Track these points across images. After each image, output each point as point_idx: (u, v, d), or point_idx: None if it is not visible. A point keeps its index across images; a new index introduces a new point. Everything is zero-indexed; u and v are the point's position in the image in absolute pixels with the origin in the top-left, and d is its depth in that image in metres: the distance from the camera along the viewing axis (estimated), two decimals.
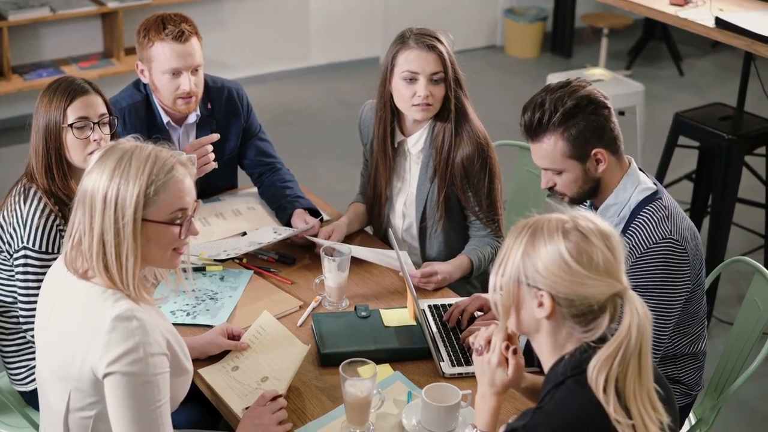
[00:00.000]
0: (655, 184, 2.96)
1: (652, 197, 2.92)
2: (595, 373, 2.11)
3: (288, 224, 3.71)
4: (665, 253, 2.83)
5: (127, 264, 2.38)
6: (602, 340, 2.17)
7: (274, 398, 2.72)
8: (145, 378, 2.35)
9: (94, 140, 3.11)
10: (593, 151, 2.85)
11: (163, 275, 2.61)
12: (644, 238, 2.84)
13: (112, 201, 2.36)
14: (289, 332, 3.04)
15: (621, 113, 6.12)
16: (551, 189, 2.95)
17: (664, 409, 2.16)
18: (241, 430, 2.65)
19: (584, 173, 2.88)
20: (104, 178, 2.37)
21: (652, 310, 2.76)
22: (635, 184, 2.93)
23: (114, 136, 3.19)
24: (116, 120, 3.23)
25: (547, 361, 2.27)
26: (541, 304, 2.17)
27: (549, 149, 2.86)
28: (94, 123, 3.12)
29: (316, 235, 3.55)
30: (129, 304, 2.39)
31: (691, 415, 3.32)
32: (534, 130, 2.86)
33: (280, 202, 3.79)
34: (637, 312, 2.11)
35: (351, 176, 5.21)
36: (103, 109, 3.16)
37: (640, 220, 2.88)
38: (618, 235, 2.19)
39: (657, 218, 2.87)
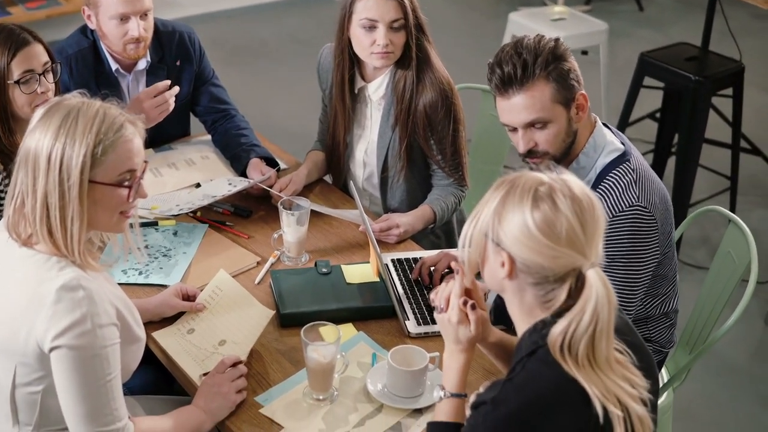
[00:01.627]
0: (623, 143, 2.83)
1: (620, 159, 2.78)
2: (554, 348, 2.03)
3: (243, 174, 3.57)
4: (632, 222, 2.70)
5: (72, 228, 2.25)
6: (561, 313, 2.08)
7: (234, 365, 2.59)
8: (93, 351, 2.24)
9: (42, 92, 2.97)
10: (577, 95, 2.72)
11: (110, 237, 2.48)
12: (611, 205, 2.71)
13: (57, 161, 2.22)
14: (247, 292, 2.92)
15: (584, 53, 6.01)
16: (529, 153, 2.79)
17: (645, 380, 2.08)
18: (199, 398, 2.54)
19: (568, 123, 2.73)
20: (48, 137, 2.23)
21: (619, 279, 2.66)
22: (602, 145, 2.80)
23: (58, 84, 3.06)
24: (59, 66, 3.09)
25: (518, 325, 2.19)
26: (503, 264, 2.09)
27: (537, 96, 2.69)
28: (39, 75, 2.98)
29: (272, 186, 3.41)
30: (74, 272, 2.26)
31: (663, 371, 3.24)
32: (519, 80, 2.69)
33: (235, 150, 3.64)
34: (595, 293, 2.01)
35: (306, 117, 5.06)
36: (46, 57, 3.02)
37: (607, 185, 2.74)
38: (600, 208, 2.09)
39: (624, 183, 2.73)
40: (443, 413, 2.28)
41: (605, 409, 2.00)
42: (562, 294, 2.07)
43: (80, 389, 2.25)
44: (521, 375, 2.06)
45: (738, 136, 5.22)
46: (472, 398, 2.34)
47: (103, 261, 2.47)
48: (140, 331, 2.46)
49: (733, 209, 5.18)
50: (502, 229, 2.07)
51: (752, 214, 5.40)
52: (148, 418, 2.47)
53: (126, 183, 2.31)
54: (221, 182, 3.49)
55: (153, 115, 3.40)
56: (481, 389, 2.34)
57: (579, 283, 2.05)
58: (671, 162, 5.36)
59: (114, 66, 3.58)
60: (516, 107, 2.71)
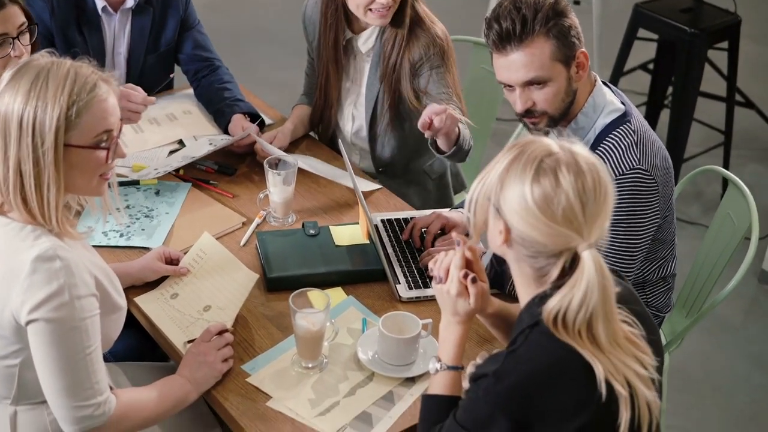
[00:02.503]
0: (623, 103, 2.72)
1: (620, 120, 2.68)
2: (548, 322, 1.96)
3: (226, 130, 3.46)
4: (633, 185, 2.60)
5: (48, 196, 2.15)
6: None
7: (220, 333, 2.51)
8: (71, 324, 2.15)
9: (15, 56, 2.83)
10: (577, 53, 2.61)
11: (88, 200, 2.39)
12: (610, 168, 2.59)
13: (29, 126, 2.11)
14: (233, 256, 2.83)
15: (576, 2, 5.88)
16: (528, 112, 2.69)
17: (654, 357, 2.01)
18: (184, 368, 2.45)
19: (567, 82, 2.62)
20: (18, 100, 2.12)
21: (618, 244, 2.57)
22: (602, 105, 2.70)
23: (35, 45, 2.90)
24: (36, 28, 2.94)
25: (521, 295, 2.11)
26: (500, 232, 2.02)
27: (536, 53, 2.58)
28: (13, 38, 2.83)
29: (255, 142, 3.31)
30: (51, 241, 2.16)
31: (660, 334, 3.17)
32: (518, 36, 2.57)
33: (218, 105, 3.53)
34: (586, 277, 1.93)
35: (291, 66, 4.95)
36: (22, 18, 2.86)
37: (606, 147, 2.64)
38: (608, 185, 1.99)
39: (625, 145, 2.63)
40: (439, 386, 2.21)
41: (610, 388, 1.93)
42: (555, 270, 2.00)
43: (58, 363, 2.16)
44: (523, 347, 1.98)
45: (733, 90, 5.13)
46: (469, 369, 2.26)
47: (81, 229, 2.37)
48: (121, 300, 2.37)
49: (726, 164, 5.11)
50: (503, 196, 2.00)
51: (745, 168, 5.34)
52: (130, 390, 2.38)
53: (103, 144, 2.21)
54: (201, 142, 3.38)
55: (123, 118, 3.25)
56: (479, 360, 2.26)
57: (574, 262, 1.98)
58: (664, 115, 5.27)
59: (101, 4, 3.46)
60: (514, 65, 2.60)
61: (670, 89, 5.15)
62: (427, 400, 2.21)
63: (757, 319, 4.43)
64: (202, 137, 3.44)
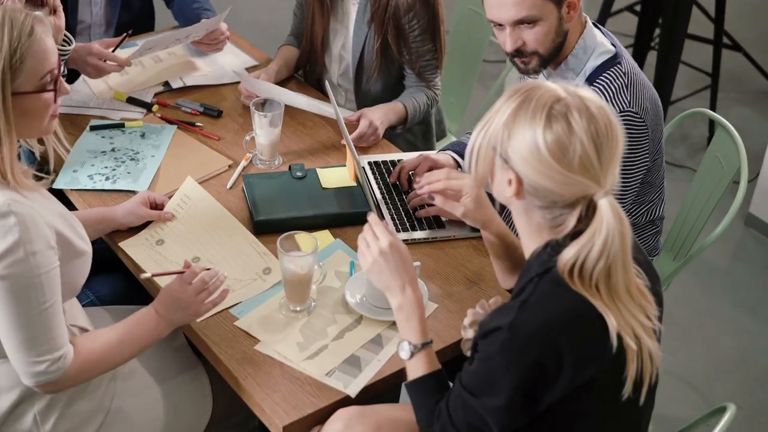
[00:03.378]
0: (614, 45, 2.69)
1: (611, 62, 2.65)
2: (564, 272, 1.92)
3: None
4: (623, 128, 2.58)
5: (2, 149, 2.12)
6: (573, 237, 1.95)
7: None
8: (26, 280, 2.12)
9: None
10: None
11: (30, 142, 2.34)
12: None
13: None
14: (216, 202, 2.82)
15: None
16: (518, 52, 2.66)
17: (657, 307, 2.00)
18: (159, 303, 2.36)
19: (558, 22, 2.59)
20: None
21: None
22: (592, 46, 2.66)
23: None
24: None
25: (525, 242, 2.07)
26: (510, 182, 1.95)
27: None
28: None
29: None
30: (4, 196, 2.12)
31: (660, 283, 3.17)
32: None
33: (189, 18, 3.53)
34: (606, 225, 1.88)
35: (278, 6, 4.89)
36: None
37: (597, 89, 2.61)
38: (619, 128, 1.94)
39: (615, 87, 2.61)
40: (418, 368, 2.18)
41: (619, 340, 1.91)
42: (571, 220, 1.94)
43: (15, 319, 2.14)
44: (535, 296, 1.93)
45: (720, 32, 5.09)
46: (469, 319, 2.24)
47: (65, 175, 2.33)
48: (84, 244, 2.33)
49: (713, 107, 5.09)
50: (511, 145, 1.92)
51: (732, 111, 5.33)
52: (89, 338, 2.32)
53: (49, 86, 2.18)
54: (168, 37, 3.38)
55: (89, 72, 3.23)
56: (479, 309, 2.26)
57: (590, 210, 1.92)
58: (651, 57, 5.24)
59: None
60: (505, 3, 2.56)
61: (657, 31, 5.11)
62: (414, 386, 2.18)
63: (744, 262, 4.44)
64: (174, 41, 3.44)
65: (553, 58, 2.64)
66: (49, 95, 2.18)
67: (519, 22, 2.58)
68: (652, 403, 2.14)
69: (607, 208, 1.88)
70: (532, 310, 1.92)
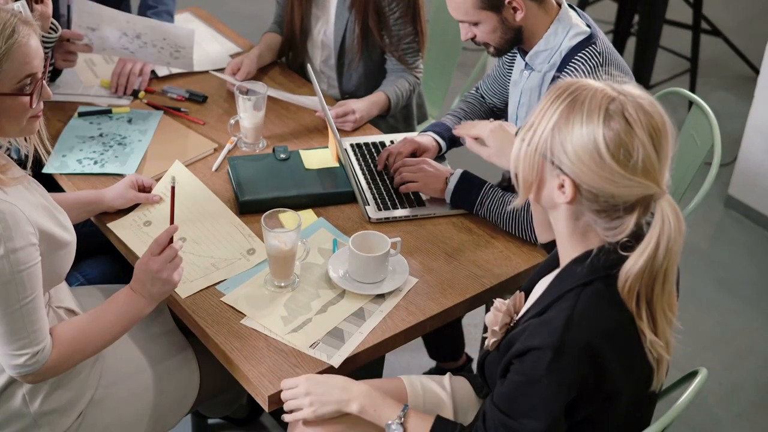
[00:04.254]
0: (588, 26, 2.77)
1: (586, 42, 2.72)
2: (627, 286, 1.87)
3: None
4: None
5: None
6: (627, 245, 1.89)
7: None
8: (5, 278, 2.14)
9: None
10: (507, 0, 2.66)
11: (16, 140, 2.35)
12: None
13: None
14: (203, 184, 2.88)
15: None
16: (473, 40, 2.76)
17: None
18: (137, 282, 2.36)
19: (502, 23, 2.69)
20: None
21: None
22: (567, 28, 2.74)
23: None
24: None
25: (566, 247, 2.00)
26: (562, 187, 1.89)
27: (459, 3, 2.68)
28: None
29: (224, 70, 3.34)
30: None
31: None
32: None
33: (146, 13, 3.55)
34: (669, 222, 1.83)
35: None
36: None
37: (572, 69, 2.68)
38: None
39: (590, 66, 2.68)
40: (419, 426, 2.17)
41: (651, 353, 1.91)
42: (630, 222, 1.86)
43: None
44: (580, 311, 1.89)
45: (699, 17, 5.16)
46: (493, 325, 2.13)
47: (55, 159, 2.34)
48: (67, 235, 2.36)
49: (693, 91, 5.15)
50: (564, 150, 1.85)
51: (712, 95, 5.39)
52: (65, 327, 2.32)
53: (27, 89, 2.18)
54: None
55: (58, 62, 3.23)
56: (499, 309, 2.13)
57: (643, 209, 1.87)
58: (631, 43, 5.31)
59: None
60: (449, 5, 2.73)
61: (636, 18, 5.17)
62: None
63: (724, 243, 4.51)
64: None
65: (510, 47, 2.77)
66: (25, 99, 2.18)
67: (462, 21, 2.72)
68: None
69: (667, 207, 1.84)
70: (578, 328, 1.88)
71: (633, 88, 1.89)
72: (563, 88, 1.89)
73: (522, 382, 1.93)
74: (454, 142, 3.04)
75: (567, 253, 1.99)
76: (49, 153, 2.41)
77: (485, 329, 2.27)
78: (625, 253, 1.88)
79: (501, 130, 2.58)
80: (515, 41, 2.74)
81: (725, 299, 4.19)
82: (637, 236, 1.88)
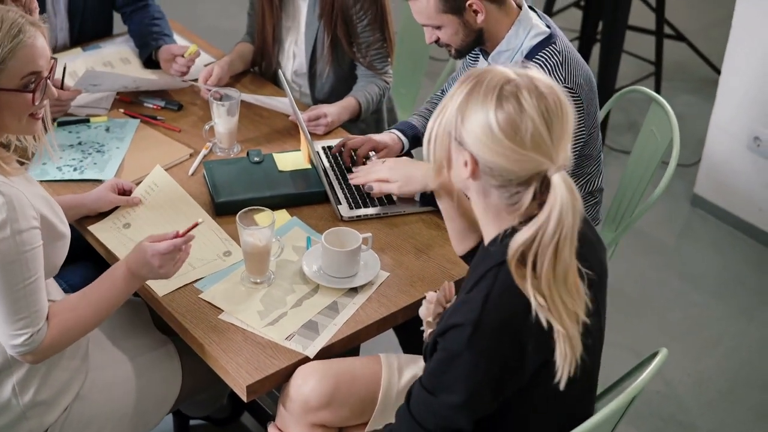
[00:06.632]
0: (548, 26, 2.88)
1: (546, 42, 2.83)
2: (512, 253, 1.96)
3: (149, 60, 3.59)
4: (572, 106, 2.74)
5: None
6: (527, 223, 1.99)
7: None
8: (11, 257, 2.24)
9: None
10: (468, 3, 2.76)
11: (26, 137, 2.46)
12: None
13: None
14: (183, 190, 2.97)
15: None
16: (437, 43, 2.89)
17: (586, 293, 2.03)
18: (134, 261, 2.42)
19: (463, 26, 2.80)
20: None
21: None
22: (527, 29, 2.84)
23: None
24: None
25: (485, 227, 2.13)
26: (465, 164, 2.02)
27: (422, 7, 2.80)
28: None
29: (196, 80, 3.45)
30: None
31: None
32: None
33: (145, 39, 3.63)
34: (562, 196, 1.92)
35: (235, 14, 5.03)
36: None
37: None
38: (568, 105, 2.01)
39: (550, 65, 2.78)
40: None
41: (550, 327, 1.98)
42: (527, 197, 1.99)
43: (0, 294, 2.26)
44: (497, 288, 2.00)
45: (662, 21, 5.28)
46: (427, 311, 2.31)
47: (35, 167, 2.41)
48: (64, 228, 2.46)
49: (657, 93, 5.24)
50: (464, 128, 1.99)
51: (677, 99, 5.49)
52: (60, 304, 2.40)
53: (30, 86, 2.29)
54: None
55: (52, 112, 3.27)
56: (441, 300, 2.30)
57: (543, 187, 1.98)
58: (596, 49, 5.40)
59: None
60: (412, 8, 2.84)
61: (601, 24, 5.27)
62: None
63: (691, 241, 4.60)
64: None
65: (471, 48, 2.88)
66: (28, 96, 2.28)
67: (425, 25, 2.84)
68: (591, 391, 2.28)
69: (560, 182, 1.93)
70: (495, 305, 1.98)
71: (535, 72, 2.02)
72: (471, 73, 2.04)
73: (444, 358, 2.04)
74: (417, 140, 3.14)
75: (488, 233, 2.12)
76: (55, 152, 2.52)
77: (422, 323, 2.39)
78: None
79: (398, 163, 2.74)
80: (476, 43, 2.85)
81: (691, 293, 4.28)
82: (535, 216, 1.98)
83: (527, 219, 1.98)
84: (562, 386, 2.01)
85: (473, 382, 2.01)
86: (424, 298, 2.38)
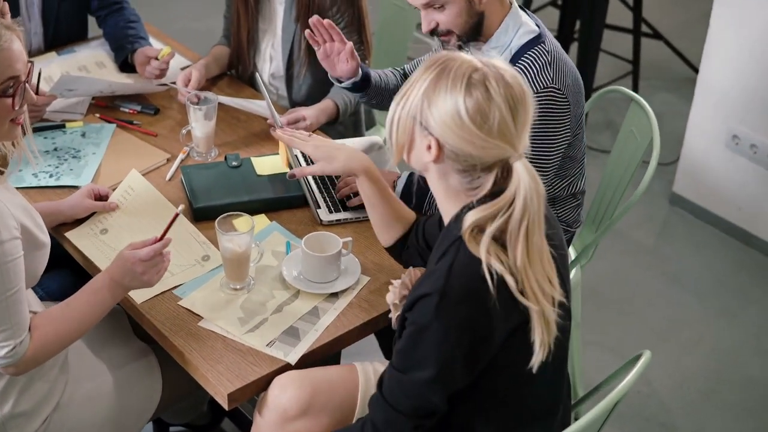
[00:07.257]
0: (537, 26, 2.86)
1: (535, 41, 2.81)
2: (466, 231, 2.02)
3: (124, 63, 3.56)
4: (546, 103, 2.73)
5: None
6: (483, 200, 2.06)
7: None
8: None
9: None
10: None
11: (4, 144, 2.42)
12: None
13: None
14: (159, 193, 2.93)
15: None
16: (434, 32, 2.82)
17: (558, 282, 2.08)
18: (116, 269, 2.40)
19: (468, 4, 2.75)
20: None
21: (530, 160, 2.72)
22: (517, 26, 2.82)
23: None
24: None
25: (444, 207, 2.18)
26: (429, 148, 2.06)
27: None
28: None
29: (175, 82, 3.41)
30: None
31: (571, 249, 3.31)
32: None
33: (120, 42, 3.59)
34: (525, 182, 2.00)
35: (209, 15, 5.00)
36: None
37: (522, 66, 2.76)
38: (530, 96, 2.06)
39: (539, 65, 2.76)
40: None
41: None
42: (488, 182, 2.05)
43: None
44: (460, 259, 2.03)
45: (639, 20, 5.28)
46: (393, 297, 2.32)
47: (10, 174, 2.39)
48: (44, 236, 2.43)
49: (635, 91, 5.25)
50: (431, 113, 2.03)
51: (655, 97, 5.49)
52: (43, 316, 2.38)
53: (9, 91, 2.26)
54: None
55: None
56: (405, 280, 2.32)
57: (504, 172, 2.04)
58: (573, 48, 5.41)
59: None
60: None
61: (579, 23, 5.28)
62: None
63: (670, 240, 4.60)
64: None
65: (472, 37, 2.81)
66: (7, 101, 2.25)
67: (428, 5, 2.76)
68: (563, 376, 2.28)
69: (522, 169, 2.00)
70: (459, 273, 2.02)
71: (499, 62, 2.06)
72: (435, 59, 2.07)
73: (413, 332, 2.06)
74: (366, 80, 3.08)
75: (448, 212, 2.16)
76: (35, 157, 2.50)
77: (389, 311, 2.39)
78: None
79: (324, 143, 2.69)
80: (477, 29, 2.79)
81: (672, 292, 4.28)
82: (494, 197, 2.04)
83: (483, 199, 2.05)
84: (535, 369, 2.05)
85: (444, 354, 2.03)
86: (391, 283, 2.38)
